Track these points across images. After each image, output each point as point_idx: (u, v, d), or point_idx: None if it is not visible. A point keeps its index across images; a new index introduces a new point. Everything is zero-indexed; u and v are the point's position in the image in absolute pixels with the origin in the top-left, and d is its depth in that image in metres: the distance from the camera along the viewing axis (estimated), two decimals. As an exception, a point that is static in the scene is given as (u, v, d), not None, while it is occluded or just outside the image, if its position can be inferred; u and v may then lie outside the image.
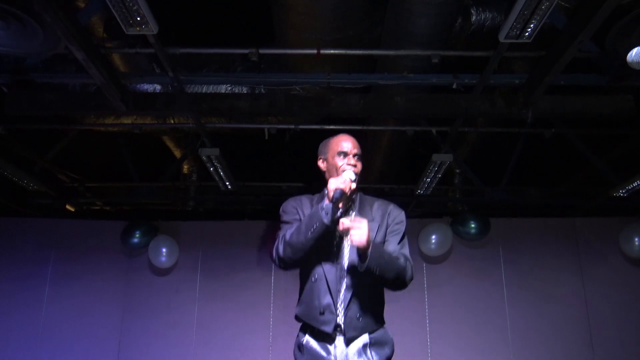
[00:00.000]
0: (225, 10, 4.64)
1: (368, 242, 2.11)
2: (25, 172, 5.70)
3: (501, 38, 3.47)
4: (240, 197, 6.78)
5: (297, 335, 2.34)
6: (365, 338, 2.23)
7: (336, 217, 2.22)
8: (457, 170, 6.64)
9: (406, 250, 2.38)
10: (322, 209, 2.19)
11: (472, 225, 6.53)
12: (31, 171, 5.83)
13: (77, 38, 3.36)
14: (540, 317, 6.53)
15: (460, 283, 6.69)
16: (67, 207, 7.31)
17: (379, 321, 2.32)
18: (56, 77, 4.46)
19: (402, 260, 2.26)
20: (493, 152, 6.35)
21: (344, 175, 2.29)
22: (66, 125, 5.45)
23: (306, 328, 2.29)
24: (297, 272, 2.42)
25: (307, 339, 2.27)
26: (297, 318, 2.35)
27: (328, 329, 2.20)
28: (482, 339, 6.49)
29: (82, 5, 3.64)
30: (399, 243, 2.37)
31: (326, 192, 2.24)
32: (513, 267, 6.77)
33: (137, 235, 6.61)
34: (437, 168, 5.43)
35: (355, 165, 2.40)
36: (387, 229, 2.39)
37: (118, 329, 6.67)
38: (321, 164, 2.49)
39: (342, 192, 2.20)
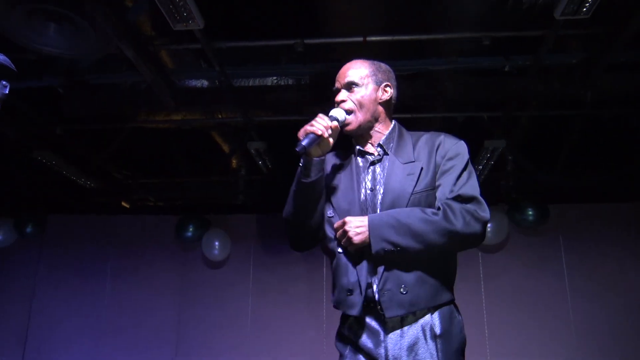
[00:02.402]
0: (269, 1, 4.63)
1: (362, 241, 1.67)
2: (82, 171, 5.91)
3: (557, 15, 3.31)
4: (289, 189, 6.76)
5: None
6: (425, 318, 1.65)
7: (318, 172, 1.79)
8: (510, 157, 6.42)
9: (467, 189, 1.75)
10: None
11: (530, 213, 6.28)
12: (88, 170, 6.03)
13: (127, 37, 3.43)
14: (606, 308, 6.21)
15: (519, 272, 6.47)
16: (123, 203, 7.53)
17: (441, 293, 1.68)
18: (108, 77, 4.56)
19: (442, 213, 1.67)
20: (548, 136, 6.09)
21: (320, 115, 1.78)
22: (119, 124, 5.59)
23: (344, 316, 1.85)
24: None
25: (348, 325, 1.80)
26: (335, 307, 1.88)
27: (354, 311, 1.69)
28: (544, 331, 6.25)
29: (130, 4, 3.70)
30: (456, 180, 1.75)
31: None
32: (575, 255, 6.47)
33: (191, 230, 6.73)
34: (490, 155, 5.27)
35: (344, 101, 1.88)
36: (436, 169, 1.80)
37: (176, 321, 6.83)
38: None
39: (315, 137, 1.73)
